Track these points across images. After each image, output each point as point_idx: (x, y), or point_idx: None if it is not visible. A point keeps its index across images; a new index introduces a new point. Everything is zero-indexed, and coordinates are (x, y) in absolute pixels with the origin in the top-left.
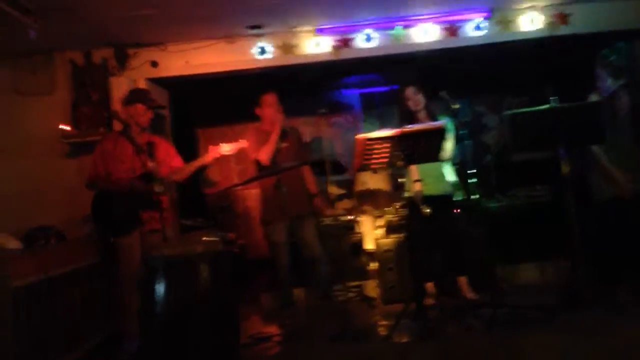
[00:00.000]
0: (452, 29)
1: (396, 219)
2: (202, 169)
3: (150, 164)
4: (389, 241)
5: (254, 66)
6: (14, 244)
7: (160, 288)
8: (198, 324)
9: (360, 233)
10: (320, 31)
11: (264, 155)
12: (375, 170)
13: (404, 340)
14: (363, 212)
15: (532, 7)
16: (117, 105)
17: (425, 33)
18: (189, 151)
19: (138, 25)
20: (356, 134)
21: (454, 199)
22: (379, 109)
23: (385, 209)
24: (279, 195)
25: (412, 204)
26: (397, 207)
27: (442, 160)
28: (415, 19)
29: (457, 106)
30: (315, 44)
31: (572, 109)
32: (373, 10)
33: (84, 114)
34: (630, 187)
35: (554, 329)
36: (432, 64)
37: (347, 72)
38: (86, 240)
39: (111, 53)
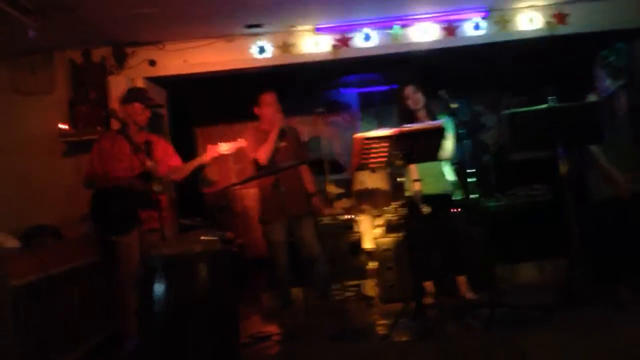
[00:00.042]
0: (451, 29)
1: (395, 218)
2: (201, 168)
3: (149, 163)
4: (388, 240)
5: (252, 65)
6: (12, 242)
7: (159, 287)
8: (197, 324)
9: (359, 232)
10: (319, 30)
11: (263, 154)
12: (373, 170)
13: (403, 339)
14: (362, 212)
15: (530, 7)
16: (115, 104)
17: (424, 32)
18: (187, 150)
19: (136, 24)
20: (354, 133)
21: (453, 198)
22: (377, 108)
23: (384, 208)
24: (277, 195)
25: (412, 203)
26: (396, 206)
27: (442, 160)
28: (414, 19)
29: (455, 105)
30: (314, 43)
31: (570, 109)
32: (372, 9)
33: (82, 113)
34: (629, 187)
35: (553, 328)
36: (430, 64)
37: (346, 71)
38: (85, 239)
39: (110, 52)
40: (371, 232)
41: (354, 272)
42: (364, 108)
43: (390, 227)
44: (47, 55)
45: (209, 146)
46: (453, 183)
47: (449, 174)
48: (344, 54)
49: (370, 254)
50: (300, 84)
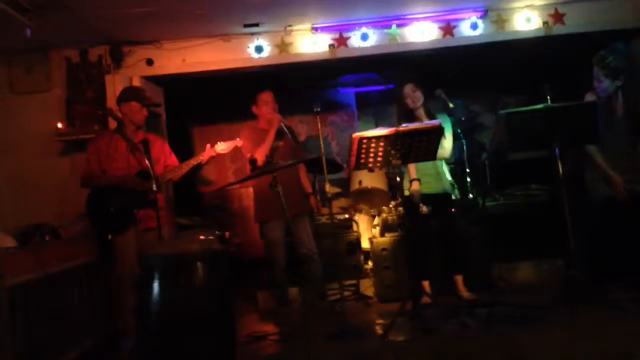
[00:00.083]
0: (448, 28)
1: (392, 217)
2: (198, 167)
3: (146, 162)
4: (385, 240)
5: (250, 65)
6: (8, 241)
7: (156, 287)
8: (194, 323)
9: (356, 232)
10: (317, 30)
11: (260, 154)
12: (371, 169)
13: (400, 338)
14: (359, 211)
15: (527, 7)
16: (112, 103)
17: (421, 32)
18: (184, 149)
19: (134, 23)
20: (352, 133)
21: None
22: (375, 108)
23: (382, 207)
24: (274, 194)
25: (410, 202)
26: (393, 205)
27: (441, 159)
28: (411, 18)
29: (452, 105)
30: (311, 43)
31: (567, 109)
32: (369, 9)
33: (79, 112)
34: (627, 188)
35: (550, 327)
36: (428, 63)
37: (343, 71)
38: (82, 238)
39: (107, 51)
40: (368, 232)
41: (352, 272)
42: (361, 107)
43: (387, 227)
44: (43, 53)
45: (207, 145)
46: (451, 182)
47: (447, 173)
48: (342, 53)
49: (368, 254)
50: (297, 83)
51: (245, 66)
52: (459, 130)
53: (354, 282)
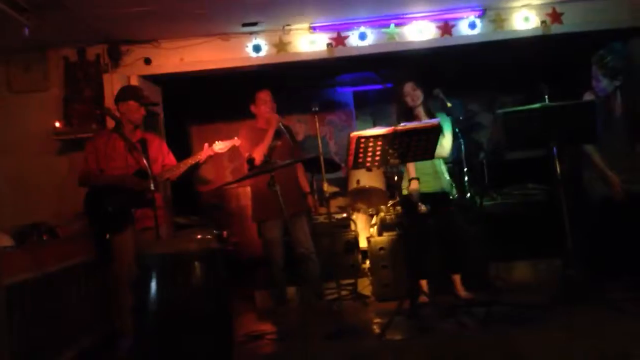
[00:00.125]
0: (446, 28)
1: (390, 216)
2: (196, 166)
3: (144, 162)
4: (383, 239)
5: (248, 64)
6: (6, 241)
7: (153, 286)
8: (192, 322)
9: (354, 231)
10: (315, 29)
11: (258, 154)
12: (369, 168)
13: (398, 337)
14: (357, 210)
15: (525, 6)
16: (110, 102)
17: (420, 31)
18: (182, 148)
19: (132, 22)
20: (350, 132)
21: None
22: (373, 107)
23: (380, 206)
24: (272, 193)
25: (409, 201)
26: (391, 205)
27: (441, 157)
28: (410, 17)
29: (450, 104)
30: (309, 42)
31: (564, 108)
32: (367, 8)
33: (77, 111)
34: (624, 188)
35: (548, 327)
36: (426, 62)
37: (341, 70)
38: (80, 238)
39: (104, 50)
40: (366, 231)
41: (349, 271)
42: (359, 107)
43: (385, 226)
44: (41, 53)
45: (205, 145)
46: (449, 182)
47: (446, 172)
48: (340, 52)
49: (365, 253)
50: (295, 82)
51: (243, 65)
52: (457, 130)
53: (351, 281)
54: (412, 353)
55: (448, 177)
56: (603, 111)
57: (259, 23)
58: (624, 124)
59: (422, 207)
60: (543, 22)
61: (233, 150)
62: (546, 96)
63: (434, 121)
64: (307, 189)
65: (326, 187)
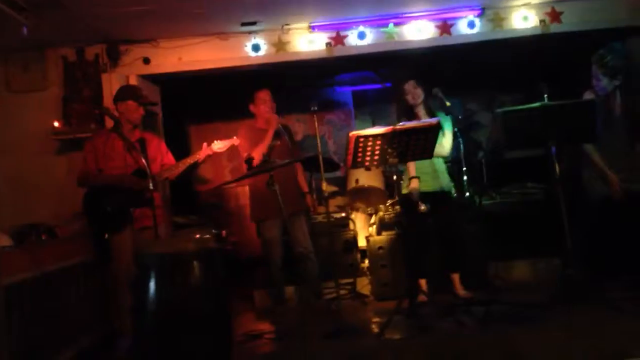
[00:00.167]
0: (445, 27)
1: (389, 216)
2: (195, 166)
3: (143, 161)
4: (382, 238)
5: (247, 63)
6: (4, 240)
7: (152, 285)
8: (191, 322)
9: (353, 230)
10: (314, 28)
11: (258, 155)
12: (368, 168)
13: (397, 337)
14: (356, 209)
15: (524, 5)
16: (108, 102)
17: (419, 31)
18: (180, 148)
19: (130, 21)
20: (349, 131)
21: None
22: (372, 107)
23: (378, 206)
24: (271, 193)
25: (409, 200)
26: (390, 204)
27: (441, 156)
28: (409, 17)
29: (449, 103)
30: (308, 41)
31: (563, 107)
32: (366, 7)
33: (75, 111)
34: (623, 187)
35: (547, 326)
36: (424, 62)
37: (340, 69)
38: (79, 237)
39: (103, 49)
40: (365, 230)
41: (348, 270)
42: (358, 106)
43: (384, 225)
44: (40, 52)
45: (203, 144)
46: (449, 180)
47: (445, 171)
48: (339, 52)
49: (364, 252)
50: (294, 82)
51: (242, 65)
52: (456, 129)
53: (350, 280)
54: (411, 352)
55: (448, 176)
56: (603, 110)
57: (258, 22)
58: (623, 123)
59: (422, 207)
60: (542, 21)
61: (232, 149)
62: (545, 95)
63: (432, 120)
64: (305, 188)
65: (325, 186)
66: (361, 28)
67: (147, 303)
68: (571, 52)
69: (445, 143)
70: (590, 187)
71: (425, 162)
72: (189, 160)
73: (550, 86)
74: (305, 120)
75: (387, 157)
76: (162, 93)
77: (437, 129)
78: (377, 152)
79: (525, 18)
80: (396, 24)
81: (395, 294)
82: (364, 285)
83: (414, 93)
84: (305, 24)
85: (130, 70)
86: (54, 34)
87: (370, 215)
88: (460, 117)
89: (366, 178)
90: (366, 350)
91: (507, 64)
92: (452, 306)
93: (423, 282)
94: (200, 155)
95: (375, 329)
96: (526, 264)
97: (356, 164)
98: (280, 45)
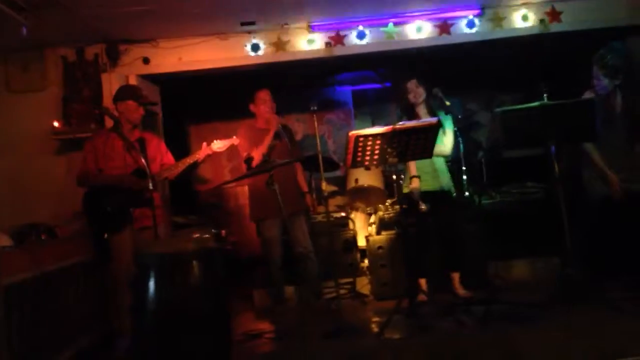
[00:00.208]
0: (445, 26)
1: (389, 215)
2: (194, 166)
3: (143, 161)
4: (382, 238)
5: (246, 63)
6: (4, 240)
7: (152, 285)
8: (190, 321)
9: (352, 230)
10: (314, 28)
11: (257, 154)
12: (367, 167)
13: (396, 336)
14: (355, 209)
15: (524, 4)
16: (108, 102)
17: (418, 30)
18: (180, 148)
19: (130, 21)
20: (348, 131)
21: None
22: (371, 106)
23: (378, 205)
24: (271, 192)
25: (409, 199)
26: (389, 203)
27: (442, 156)
28: (408, 16)
29: (448, 103)
30: (308, 41)
31: (563, 106)
32: (366, 7)
33: (75, 110)
34: (622, 187)
35: (546, 325)
36: (424, 61)
37: (340, 69)
38: (78, 237)
39: (103, 49)
40: (365, 230)
41: (348, 270)
42: (358, 106)
43: (384, 225)
44: (40, 52)
45: (203, 144)
46: (450, 179)
47: (446, 170)
48: (338, 51)
49: (364, 252)
50: (294, 81)
51: (241, 65)
52: (455, 129)
53: (350, 280)
54: (411, 352)
55: (448, 176)
56: (603, 110)
57: (258, 22)
58: (623, 122)
59: (423, 206)
60: (542, 20)
61: (231, 149)
62: (545, 95)
63: (432, 120)
64: (305, 188)
65: (325, 186)
66: (361, 28)
67: (146, 303)
68: (571, 52)
69: (446, 142)
70: (590, 186)
71: (425, 162)
72: (189, 160)
73: (549, 85)
74: (304, 120)
75: (387, 156)
76: (162, 93)
77: (436, 128)
78: (376, 152)
79: (525, 17)
80: (396, 24)
81: (394, 293)
82: (363, 285)
83: (416, 92)
84: (304, 24)
85: (130, 70)
86: (53, 34)
87: (370, 214)
88: (459, 116)
89: (366, 178)
90: (366, 350)
91: (506, 64)
92: (452, 306)
93: (423, 282)
94: (199, 155)
95: (375, 328)
96: (526, 263)
97: (356, 164)
98: (279, 45)
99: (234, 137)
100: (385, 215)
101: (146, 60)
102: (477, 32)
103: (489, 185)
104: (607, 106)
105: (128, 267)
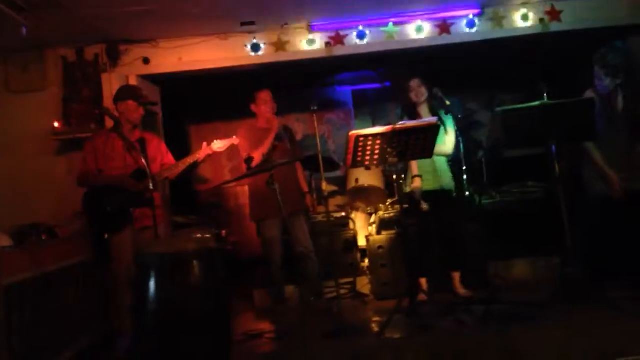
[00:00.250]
0: (445, 26)
1: (389, 215)
2: (194, 166)
3: (143, 161)
4: (382, 238)
5: (246, 63)
6: (4, 241)
7: (152, 285)
8: (190, 321)
9: (353, 230)
10: (314, 28)
11: (258, 155)
12: (368, 167)
13: (397, 336)
14: (356, 209)
15: (524, 4)
16: (108, 102)
17: (418, 30)
18: (180, 148)
19: (130, 21)
20: (349, 131)
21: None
22: (372, 106)
23: (378, 205)
24: (271, 192)
25: (410, 199)
26: (390, 203)
27: (444, 155)
28: (408, 16)
29: (448, 103)
30: (308, 41)
31: (563, 106)
32: (366, 7)
33: (75, 111)
34: (623, 186)
35: (546, 325)
36: (424, 61)
37: (340, 69)
38: (79, 237)
39: (103, 50)
40: (365, 230)
41: (348, 270)
42: (358, 106)
43: (384, 225)
44: (39, 52)
45: (203, 144)
46: (451, 179)
47: (448, 169)
48: (338, 51)
49: (364, 252)
50: (294, 81)
51: (241, 65)
52: (456, 128)
53: (350, 280)
54: (411, 351)
55: (449, 175)
56: (604, 109)
57: (257, 22)
58: (624, 122)
59: (424, 206)
60: (542, 20)
61: (232, 149)
62: (545, 94)
63: (432, 120)
64: (305, 188)
65: (325, 185)
66: (361, 28)
67: (146, 303)
68: (571, 51)
69: (448, 141)
70: (590, 186)
71: (426, 161)
72: (189, 160)
73: (550, 85)
74: (305, 120)
75: (387, 156)
76: (162, 93)
77: (436, 128)
78: (377, 152)
79: (525, 17)
80: (396, 24)
81: (395, 293)
82: (364, 285)
83: (418, 91)
84: (304, 24)
85: (130, 70)
86: (53, 34)
87: (370, 214)
88: (460, 116)
89: (366, 177)
90: (366, 350)
91: (506, 63)
92: (452, 305)
93: (423, 281)
94: (200, 154)
95: (375, 328)
96: (526, 263)
97: (356, 164)
98: (279, 45)
99: (234, 137)
100: (386, 215)
101: (146, 61)
102: (477, 31)
103: (490, 185)
104: (608, 105)
105: (128, 267)
